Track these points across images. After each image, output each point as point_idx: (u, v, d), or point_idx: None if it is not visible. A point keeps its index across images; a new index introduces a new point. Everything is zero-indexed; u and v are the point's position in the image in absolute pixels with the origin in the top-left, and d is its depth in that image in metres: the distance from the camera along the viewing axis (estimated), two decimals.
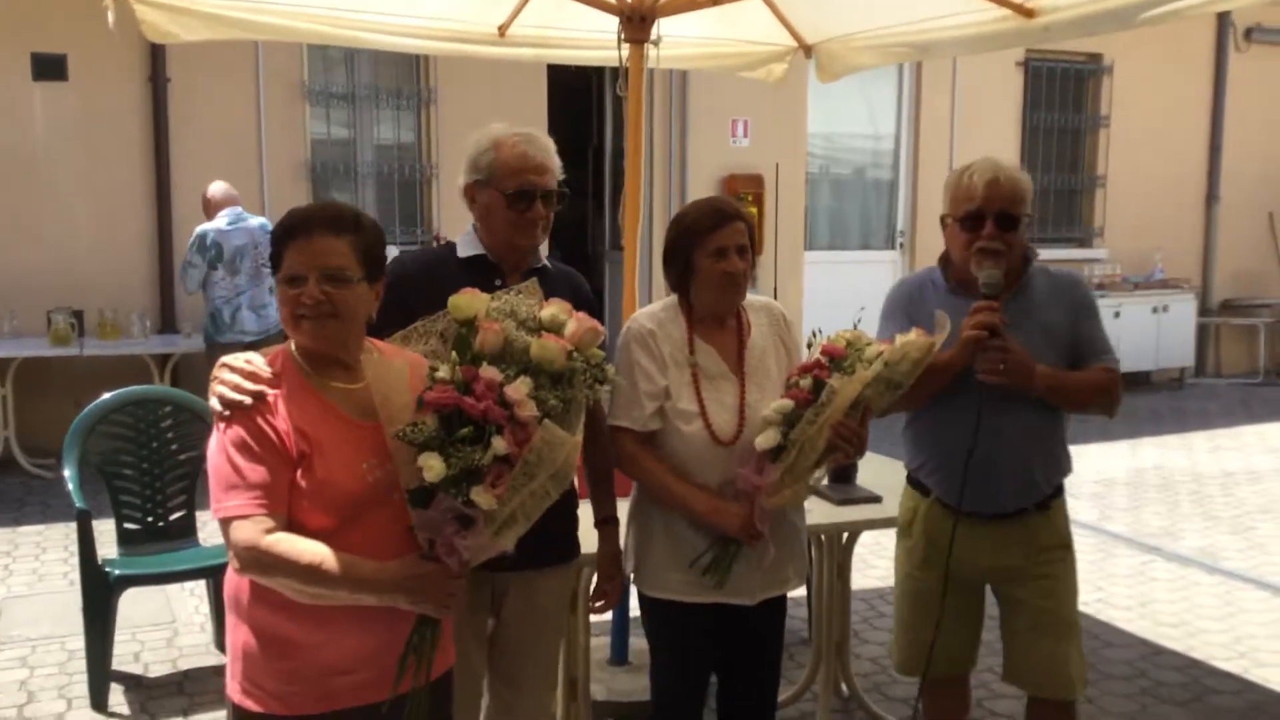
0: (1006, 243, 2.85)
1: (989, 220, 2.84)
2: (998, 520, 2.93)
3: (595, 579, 2.94)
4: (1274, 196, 12.04)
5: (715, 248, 2.73)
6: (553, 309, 2.30)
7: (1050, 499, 3.00)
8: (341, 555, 2.03)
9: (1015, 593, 3.02)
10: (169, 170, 8.12)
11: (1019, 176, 2.90)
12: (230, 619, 2.19)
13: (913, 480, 3.14)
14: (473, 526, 2.06)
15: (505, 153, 2.69)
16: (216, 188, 7.07)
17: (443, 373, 2.12)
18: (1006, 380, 2.76)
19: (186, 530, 4.56)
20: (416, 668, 2.14)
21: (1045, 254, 10.80)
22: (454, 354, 2.17)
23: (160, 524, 4.51)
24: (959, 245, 2.92)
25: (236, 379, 2.11)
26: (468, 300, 2.24)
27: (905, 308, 3.02)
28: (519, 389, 2.08)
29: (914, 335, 2.67)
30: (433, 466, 2.02)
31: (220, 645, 4.56)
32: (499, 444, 2.04)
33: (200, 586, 5.01)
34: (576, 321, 2.27)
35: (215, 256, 6.83)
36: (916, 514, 3.10)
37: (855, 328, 2.85)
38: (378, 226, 2.24)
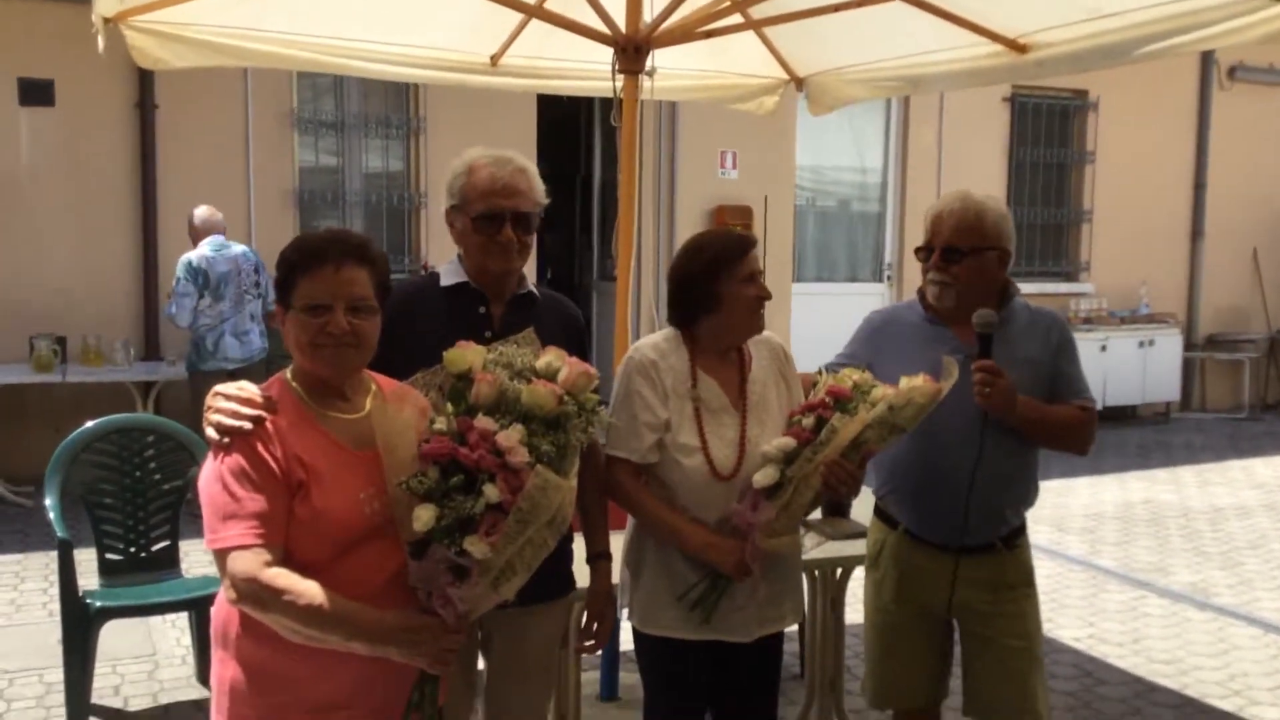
0: (952, 275, 2.91)
1: (935, 251, 2.94)
2: (965, 553, 2.93)
3: (584, 616, 2.88)
4: (1258, 232, 12.13)
5: (747, 274, 2.72)
6: (548, 357, 2.27)
7: (1016, 535, 3.02)
8: (341, 600, 1.99)
9: (983, 630, 3.01)
10: (155, 197, 8.07)
11: (975, 210, 2.92)
12: (217, 652, 2.14)
13: (880, 511, 3.15)
14: (467, 577, 2.03)
15: (475, 176, 2.64)
16: (200, 213, 7.07)
17: (440, 424, 2.11)
18: (989, 405, 2.77)
19: (169, 561, 4.48)
20: None
21: (1032, 288, 10.81)
22: (449, 406, 2.15)
23: (142, 554, 4.43)
24: (922, 275, 3.02)
25: (233, 405, 2.07)
26: (461, 354, 2.21)
27: (873, 334, 3.12)
28: (510, 436, 2.06)
29: (920, 381, 2.65)
30: (420, 516, 2.01)
31: (202, 679, 4.48)
32: (491, 491, 2.01)
33: (182, 619, 4.93)
34: (568, 367, 2.24)
35: (202, 284, 6.83)
36: (884, 546, 3.10)
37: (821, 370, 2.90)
38: (385, 255, 2.24)
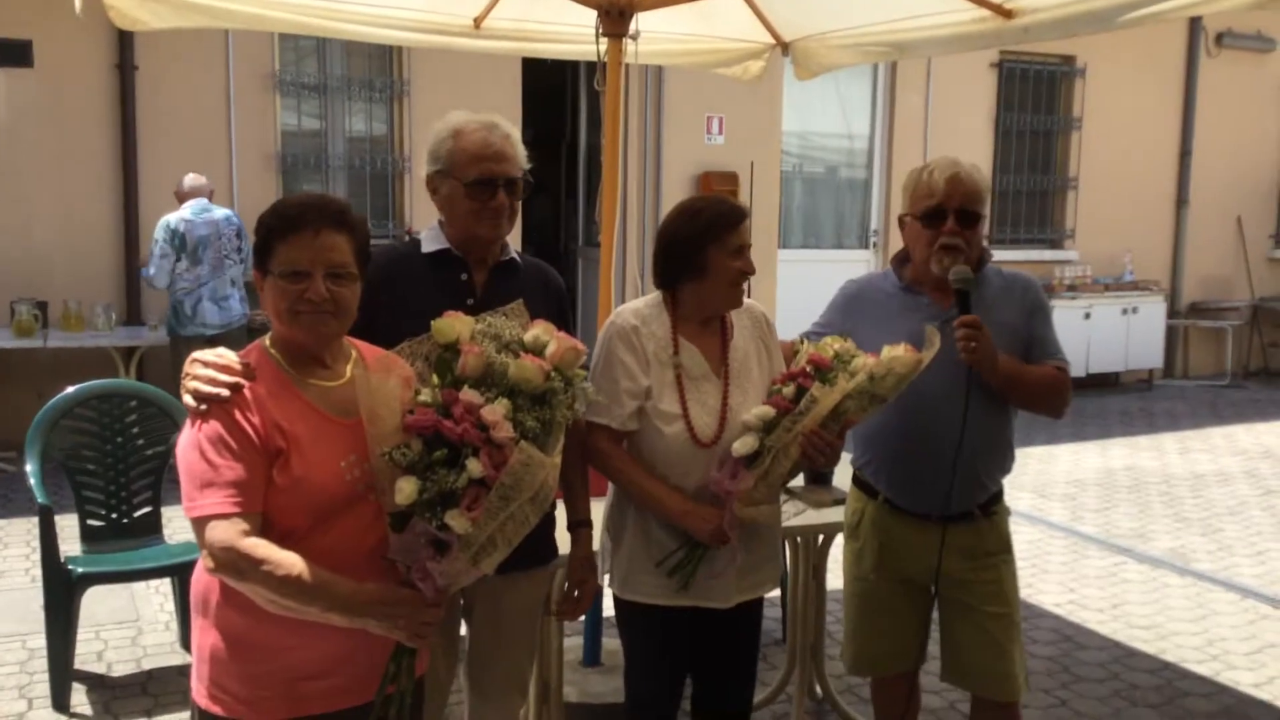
0: (966, 239, 2.87)
1: (950, 215, 2.86)
2: (946, 521, 2.91)
3: (566, 584, 2.88)
4: (1242, 200, 12.15)
5: (736, 246, 2.71)
6: (536, 330, 2.25)
7: (994, 503, 3.02)
8: (320, 572, 1.97)
9: (962, 597, 3.01)
10: (136, 160, 7.99)
11: (978, 175, 2.92)
12: (197, 620, 2.13)
13: (859, 480, 3.14)
14: (447, 551, 2.01)
15: (464, 140, 2.61)
16: (187, 179, 7.07)
17: (424, 396, 2.09)
18: (974, 359, 2.75)
19: (152, 527, 4.47)
20: (400, 704, 2.12)
21: (1017, 254, 10.82)
22: (435, 377, 2.13)
23: (125, 520, 4.43)
24: (920, 243, 2.92)
25: (211, 372, 2.04)
26: (450, 323, 2.18)
27: (849, 302, 3.09)
28: (495, 410, 2.04)
29: (901, 350, 2.64)
30: (403, 489, 1.99)
31: (186, 645, 4.48)
32: (474, 466, 1.99)
33: (165, 584, 4.93)
34: (557, 341, 2.22)
35: (179, 247, 6.80)
36: (864, 515, 3.10)
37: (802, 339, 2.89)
38: (365, 220, 2.21)
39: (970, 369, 2.78)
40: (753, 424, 2.64)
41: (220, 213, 7.02)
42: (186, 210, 6.89)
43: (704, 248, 2.69)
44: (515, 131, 2.69)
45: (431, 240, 2.71)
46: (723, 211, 2.73)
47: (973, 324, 2.75)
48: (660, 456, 2.71)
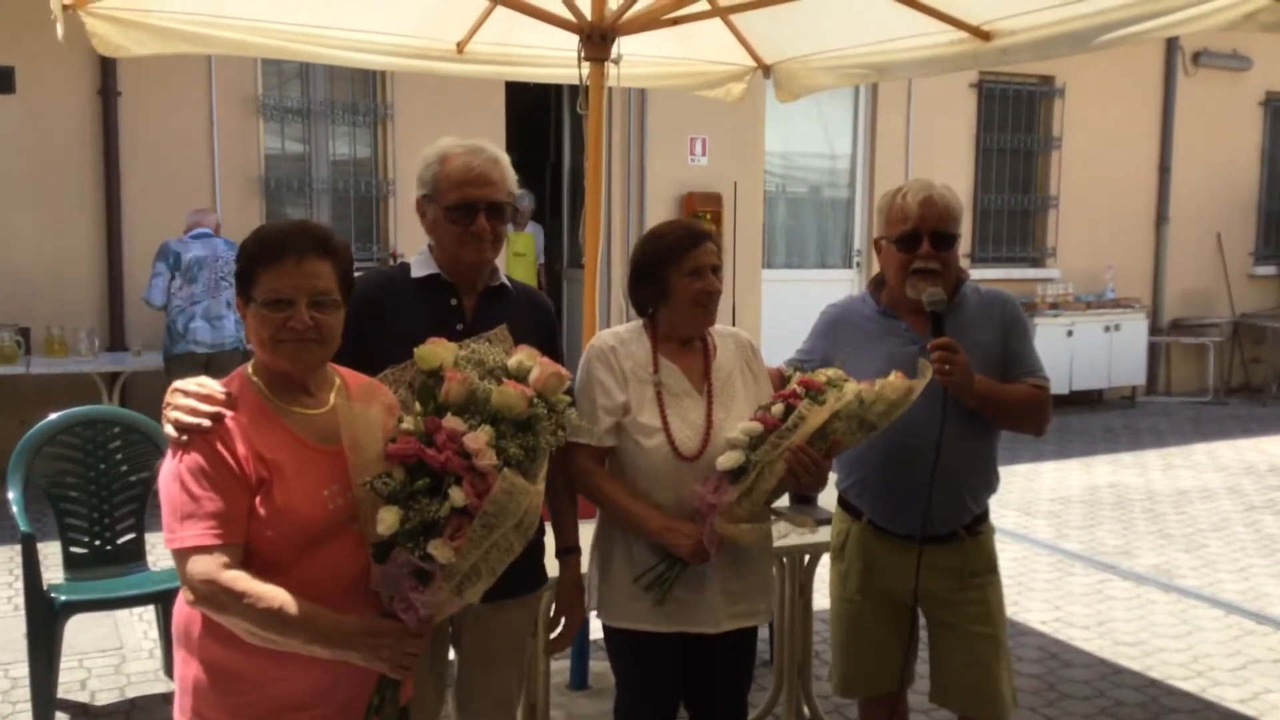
0: (942, 261, 2.88)
1: (925, 239, 2.87)
2: (929, 542, 2.90)
3: (553, 609, 2.88)
4: (1221, 217, 12.24)
5: (693, 267, 2.73)
6: (520, 356, 2.25)
7: (979, 523, 3.02)
8: (302, 604, 1.95)
9: (948, 618, 3.02)
10: (119, 185, 7.98)
11: (951, 196, 2.94)
12: (179, 652, 2.11)
13: (843, 501, 3.15)
14: (431, 581, 2.00)
15: (448, 165, 2.62)
16: (197, 215, 7.20)
17: (407, 424, 2.08)
18: (950, 381, 2.75)
19: (135, 554, 4.45)
20: None
21: (998, 273, 10.84)
22: (418, 405, 2.12)
23: (108, 548, 4.40)
24: (895, 266, 2.94)
25: (191, 402, 2.03)
26: (432, 350, 2.18)
27: (830, 328, 3.11)
28: (478, 438, 2.03)
29: (893, 378, 2.64)
30: (385, 519, 1.98)
31: (170, 673, 4.45)
32: (456, 495, 1.99)
33: (149, 612, 4.90)
34: (540, 367, 2.21)
35: (173, 265, 6.90)
36: (849, 537, 3.10)
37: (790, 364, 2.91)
38: (348, 246, 2.20)
39: (947, 391, 2.79)
40: (739, 440, 2.65)
41: (220, 240, 7.13)
42: (187, 235, 7.05)
43: (664, 270, 2.73)
44: (503, 156, 2.69)
45: (421, 265, 2.71)
46: (680, 234, 2.77)
47: (947, 346, 2.76)
48: (641, 471, 2.72)
